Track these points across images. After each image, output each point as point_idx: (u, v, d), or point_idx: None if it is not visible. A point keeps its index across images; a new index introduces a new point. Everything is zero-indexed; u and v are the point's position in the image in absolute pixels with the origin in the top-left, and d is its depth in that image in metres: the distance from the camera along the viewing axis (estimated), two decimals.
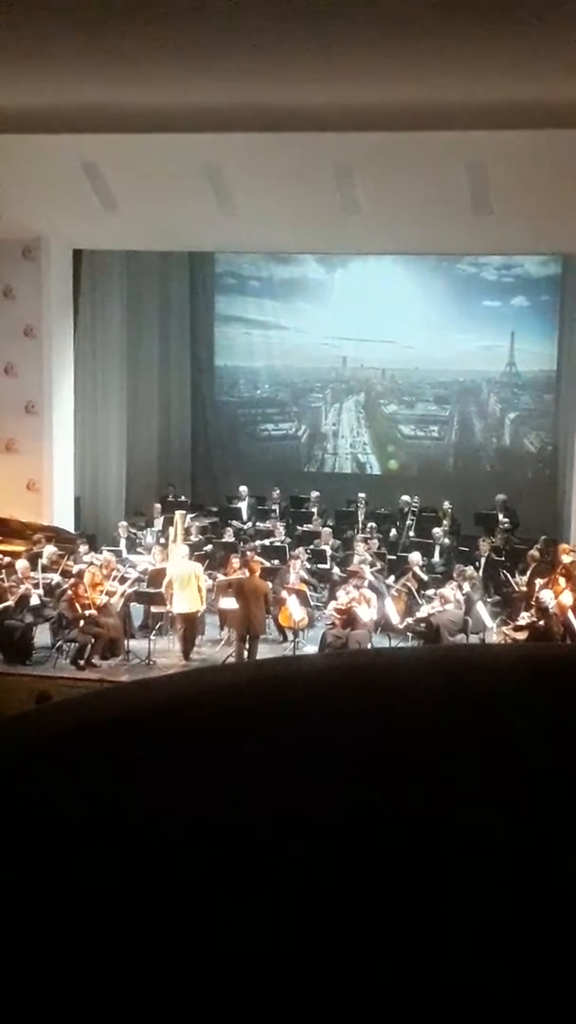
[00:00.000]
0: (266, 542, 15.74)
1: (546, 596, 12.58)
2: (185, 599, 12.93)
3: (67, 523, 15.83)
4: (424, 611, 13.06)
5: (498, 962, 0.72)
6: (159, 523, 16.48)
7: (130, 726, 0.80)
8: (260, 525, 16.95)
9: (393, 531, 16.75)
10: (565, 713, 0.81)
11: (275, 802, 0.76)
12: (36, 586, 13.25)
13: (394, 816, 0.76)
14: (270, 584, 13.27)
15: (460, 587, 13.33)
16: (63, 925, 0.70)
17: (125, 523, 16.53)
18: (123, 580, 13.67)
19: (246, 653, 12.50)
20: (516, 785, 0.77)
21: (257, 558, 13.94)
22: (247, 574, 13.02)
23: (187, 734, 0.79)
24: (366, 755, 0.78)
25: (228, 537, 15.92)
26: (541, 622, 12.38)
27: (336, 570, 14.87)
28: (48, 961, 0.69)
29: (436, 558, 15.42)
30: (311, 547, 15.39)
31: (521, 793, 0.77)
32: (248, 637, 12.65)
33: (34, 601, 13.09)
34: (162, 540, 15.34)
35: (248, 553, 14.12)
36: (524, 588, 13.67)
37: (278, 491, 18.00)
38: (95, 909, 0.71)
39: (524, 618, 12.80)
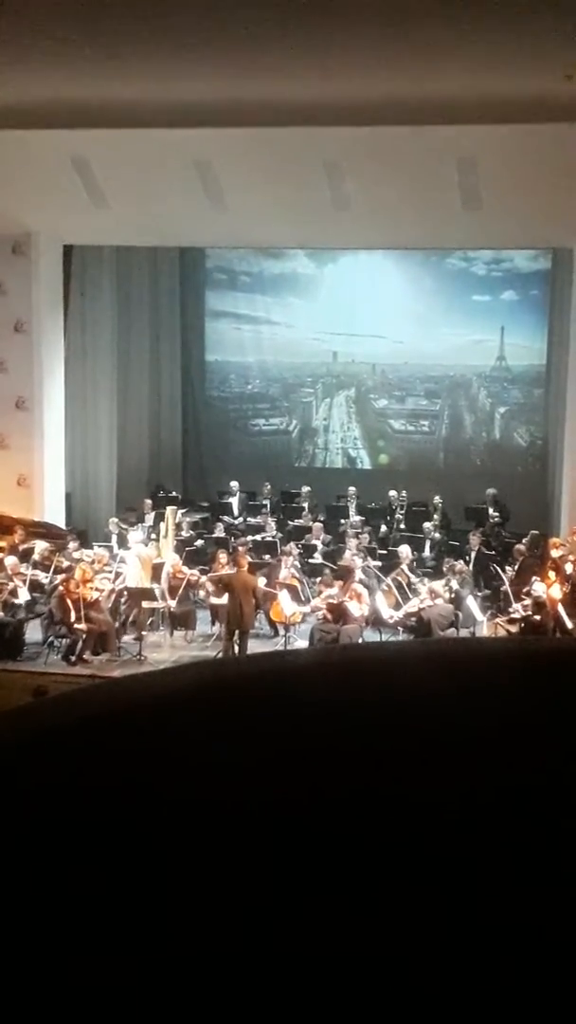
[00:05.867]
0: (257, 537, 15.74)
1: (539, 588, 12.63)
2: (136, 577, 13.66)
3: (58, 519, 15.80)
4: (414, 605, 13.05)
5: (508, 957, 0.73)
6: (150, 518, 16.46)
7: (124, 721, 0.80)
8: (251, 520, 16.93)
9: (383, 526, 16.75)
10: (558, 705, 0.82)
11: (270, 797, 0.76)
12: (26, 582, 13.24)
13: (391, 810, 0.76)
14: (260, 579, 13.27)
15: (450, 581, 13.34)
16: (60, 918, 0.71)
17: (116, 519, 16.50)
18: (116, 577, 13.66)
19: (236, 648, 12.49)
20: (512, 777, 0.78)
21: (246, 553, 13.93)
22: (236, 569, 13.00)
23: (180, 729, 0.80)
24: (361, 749, 0.79)
25: (219, 532, 15.91)
26: (536, 616, 12.40)
27: (321, 560, 14.87)
28: (44, 952, 0.70)
29: (427, 552, 15.43)
30: (302, 542, 15.39)
31: (517, 785, 0.78)
32: (238, 632, 12.64)
33: (25, 597, 13.08)
34: (153, 535, 15.32)
35: (238, 548, 14.11)
36: (512, 581, 13.66)
37: (269, 486, 17.98)
38: (92, 904, 0.72)
39: (518, 611, 12.81)
